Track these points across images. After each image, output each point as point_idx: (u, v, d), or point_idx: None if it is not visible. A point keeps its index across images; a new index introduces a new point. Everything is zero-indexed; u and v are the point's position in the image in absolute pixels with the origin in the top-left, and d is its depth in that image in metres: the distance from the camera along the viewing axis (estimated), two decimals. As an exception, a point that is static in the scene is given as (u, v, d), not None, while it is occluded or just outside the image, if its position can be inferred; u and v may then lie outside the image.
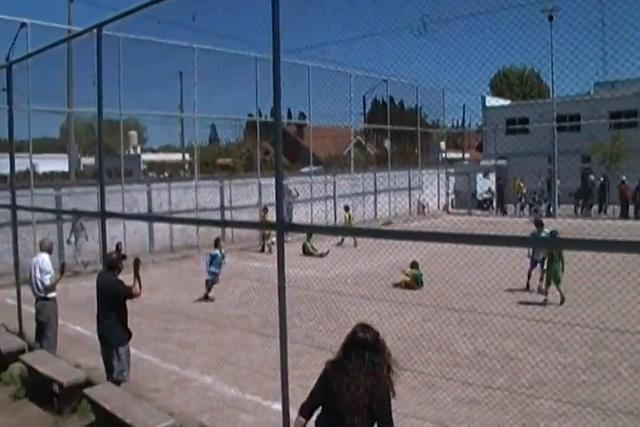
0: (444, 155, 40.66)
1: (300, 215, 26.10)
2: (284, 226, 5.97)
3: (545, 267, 13.57)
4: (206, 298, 14.46)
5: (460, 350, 10.00)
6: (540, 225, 14.35)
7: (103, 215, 8.55)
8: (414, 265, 15.39)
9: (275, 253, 5.75)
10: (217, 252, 14.96)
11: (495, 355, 9.71)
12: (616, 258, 7.96)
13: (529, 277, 14.45)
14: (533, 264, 14.52)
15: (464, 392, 8.22)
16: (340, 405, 4.16)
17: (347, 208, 24.38)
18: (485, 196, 36.91)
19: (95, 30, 7.92)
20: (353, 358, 4.25)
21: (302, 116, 32.78)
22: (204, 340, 10.78)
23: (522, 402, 7.83)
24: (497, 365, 9.27)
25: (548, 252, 13.29)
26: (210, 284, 14.60)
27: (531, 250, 14.40)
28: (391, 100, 36.22)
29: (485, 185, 37.60)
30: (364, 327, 4.38)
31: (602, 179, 32.44)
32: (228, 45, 39.13)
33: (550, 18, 32.55)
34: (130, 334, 7.96)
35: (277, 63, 5.26)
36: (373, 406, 4.14)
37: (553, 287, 13.11)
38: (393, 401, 4.27)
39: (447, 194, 37.08)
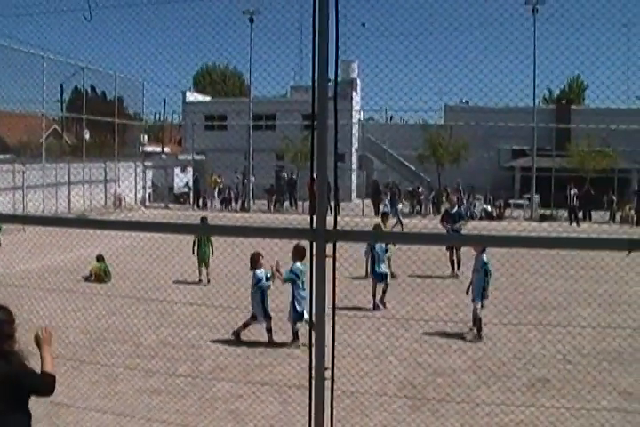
0: (143, 148, 40.16)
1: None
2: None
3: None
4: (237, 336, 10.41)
5: (145, 342, 10.03)
6: None
7: None
8: (100, 258, 15.03)
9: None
10: (262, 273, 10.54)
11: (179, 344, 9.91)
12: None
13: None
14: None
15: (146, 383, 8.27)
16: None
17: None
18: (183, 190, 37.28)
19: None
20: None
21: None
22: None
23: (202, 388, 8.11)
24: (180, 354, 9.46)
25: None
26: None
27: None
28: (93, 89, 34.91)
29: (183, 179, 37.95)
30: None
31: (294, 175, 34.55)
32: None
33: (251, 20, 33.99)
34: None
35: None
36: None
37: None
38: (72, 395, 4.16)
39: (144, 187, 36.69)
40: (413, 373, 8.89)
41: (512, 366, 9.18)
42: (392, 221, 18.03)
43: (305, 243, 9.37)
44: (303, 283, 9.76)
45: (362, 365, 9.01)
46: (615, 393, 8.21)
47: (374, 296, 12.51)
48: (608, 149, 35.09)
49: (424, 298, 11.69)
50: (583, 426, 7.10)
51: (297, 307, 9.98)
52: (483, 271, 10.59)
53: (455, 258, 15.96)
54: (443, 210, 18.56)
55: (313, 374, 4.72)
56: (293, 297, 10.02)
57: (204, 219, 15.55)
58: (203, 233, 5.36)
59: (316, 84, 4.62)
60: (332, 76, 4.69)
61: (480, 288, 10.52)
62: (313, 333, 4.70)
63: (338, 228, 4.69)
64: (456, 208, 17.34)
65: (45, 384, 4.07)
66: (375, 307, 12.37)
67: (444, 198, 30.63)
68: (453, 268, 15.97)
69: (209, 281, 14.82)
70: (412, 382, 8.53)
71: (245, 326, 10.35)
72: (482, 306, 10.63)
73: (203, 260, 14.85)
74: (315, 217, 4.58)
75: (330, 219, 4.57)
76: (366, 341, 10.01)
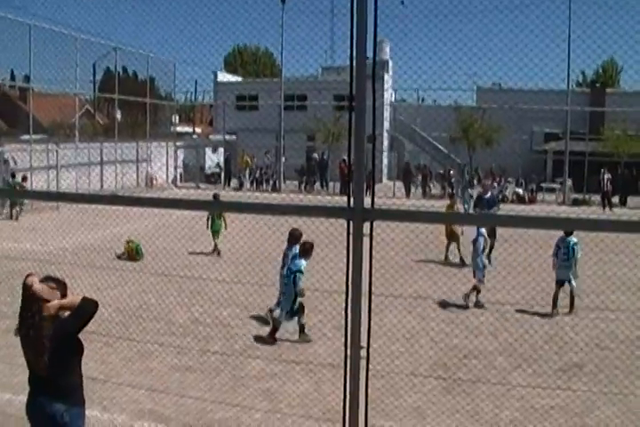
0: (174, 128, 40.30)
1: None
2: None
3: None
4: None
5: (178, 320, 10.12)
6: None
7: None
8: (130, 241, 15.15)
9: (21, 221, 5.22)
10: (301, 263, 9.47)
11: (211, 323, 9.97)
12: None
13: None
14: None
15: (179, 360, 8.34)
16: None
17: None
18: (214, 170, 37.39)
19: None
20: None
21: (27, 79, 30.33)
22: None
23: (235, 366, 8.16)
24: (212, 332, 9.52)
25: None
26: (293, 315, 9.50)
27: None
28: (124, 70, 35.05)
29: (214, 159, 38.05)
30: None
31: (325, 156, 34.32)
32: None
33: (282, 1, 33.82)
34: None
35: None
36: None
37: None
38: (106, 371, 4.22)
39: (176, 167, 36.87)
40: (446, 354, 8.86)
41: (546, 350, 9.09)
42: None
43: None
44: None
45: (394, 346, 9.00)
46: (651, 379, 8.11)
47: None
48: (642, 134, 34.45)
49: (456, 282, 11.63)
50: (617, 412, 7.01)
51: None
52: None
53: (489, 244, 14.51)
54: (475, 195, 17.79)
55: (348, 353, 4.70)
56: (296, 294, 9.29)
57: (216, 196, 16.22)
58: (237, 211, 5.35)
59: (354, 63, 4.55)
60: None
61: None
62: (349, 312, 4.67)
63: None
64: (489, 193, 16.37)
65: (89, 301, 4.37)
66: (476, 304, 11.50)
67: (475, 181, 30.35)
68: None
69: (219, 253, 15.65)
70: (444, 363, 8.51)
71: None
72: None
73: (216, 232, 15.74)
74: (352, 196, 4.53)
75: (367, 199, 4.51)
76: (399, 323, 9.97)
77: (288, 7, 34.03)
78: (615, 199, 31.36)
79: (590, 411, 7.08)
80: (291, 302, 9.28)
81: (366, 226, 4.47)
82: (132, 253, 14.90)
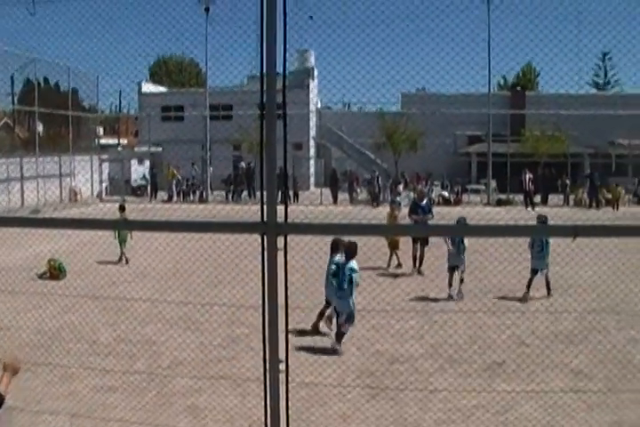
0: (99, 141, 39.50)
1: None
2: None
3: None
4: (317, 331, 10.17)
5: (101, 339, 9.91)
6: None
7: None
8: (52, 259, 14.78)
9: None
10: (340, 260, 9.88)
11: (136, 340, 9.81)
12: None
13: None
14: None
15: (102, 381, 8.16)
16: None
17: None
18: (140, 182, 36.84)
19: None
20: None
21: None
22: None
23: (160, 383, 8.05)
24: (137, 350, 9.37)
25: None
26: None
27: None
28: (46, 81, 34.13)
29: (140, 172, 37.49)
30: None
31: (251, 166, 34.34)
32: None
33: (207, 9, 33.58)
34: None
35: None
36: None
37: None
38: (26, 398, 4.10)
39: (101, 181, 36.14)
40: (372, 360, 8.96)
41: (469, 350, 9.31)
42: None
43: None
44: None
45: (321, 354, 9.06)
46: (568, 373, 8.41)
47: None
48: (560, 134, 35.73)
49: (385, 288, 11.81)
50: (537, 407, 7.24)
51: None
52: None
53: (419, 254, 14.94)
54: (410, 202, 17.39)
55: (267, 367, 4.71)
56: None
57: (122, 207, 16.63)
58: (148, 229, 5.30)
59: (264, 75, 4.59)
60: (289, 67, 4.67)
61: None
62: (266, 326, 4.68)
63: (289, 220, 4.67)
64: (425, 200, 16.04)
65: None
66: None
67: (401, 186, 30.81)
68: (415, 264, 15.05)
69: (127, 261, 15.89)
70: (370, 370, 8.60)
71: (321, 315, 10.16)
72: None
73: (123, 242, 15.83)
74: (265, 209, 4.55)
75: (290, 209, 4.54)
76: (325, 330, 10.05)
77: (212, 16, 33.80)
78: (537, 198, 32.40)
79: (511, 408, 7.29)
80: (350, 305, 9.45)
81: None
82: (55, 272, 14.51)
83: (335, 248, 9.98)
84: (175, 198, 34.62)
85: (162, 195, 35.19)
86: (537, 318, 10.68)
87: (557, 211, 27.31)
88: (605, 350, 9.32)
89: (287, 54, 4.54)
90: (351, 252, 9.70)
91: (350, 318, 9.48)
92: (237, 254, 11.40)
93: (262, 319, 4.52)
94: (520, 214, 23.59)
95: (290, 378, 5.00)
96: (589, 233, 4.50)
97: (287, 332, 4.69)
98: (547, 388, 7.82)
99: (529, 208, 30.00)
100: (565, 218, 19.66)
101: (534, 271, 12.56)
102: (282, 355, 4.58)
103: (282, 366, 4.67)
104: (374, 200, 31.52)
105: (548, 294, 12.64)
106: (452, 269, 12.80)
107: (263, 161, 4.59)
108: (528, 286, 12.44)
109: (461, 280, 12.73)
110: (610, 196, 32.31)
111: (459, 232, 9.76)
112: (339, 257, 9.89)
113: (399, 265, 15.52)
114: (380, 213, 20.50)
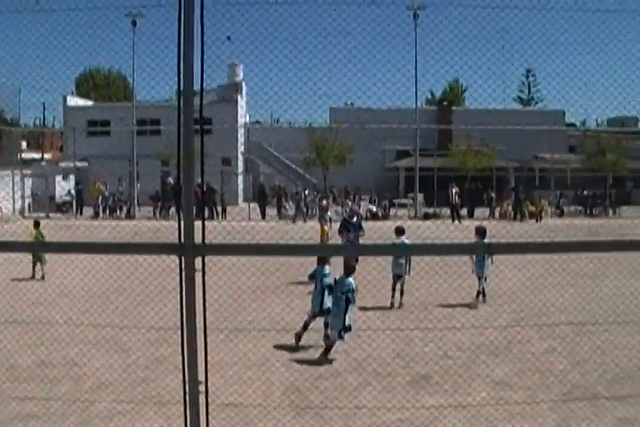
0: (21, 155, 38.41)
1: None
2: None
3: None
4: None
5: (21, 363, 9.59)
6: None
7: None
8: None
9: None
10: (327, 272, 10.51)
11: (59, 363, 9.54)
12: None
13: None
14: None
15: (22, 408, 7.89)
16: None
17: None
18: (65, 198, 35.97)
19: None
20: None
21: None
22: None
23: (82, 408, 7.84)
24: (60, 374, 9.12)
25: None
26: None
27: None
28: (-40, 94, 33.03)
29: (65, 187, 36.62)
30: None
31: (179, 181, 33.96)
32: None
33: (134, 23, 33.15)
34: None
35: None
36: None
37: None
38: None
39: (23, 197, 35.09)
40: (299, 377, 8.96)
41: (395, 364, 9.42)
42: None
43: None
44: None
45: (248, 373, 9.00)
46: (491, 383, 8.61)
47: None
48: (486, 149, 36.73)
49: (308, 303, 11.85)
50: (460, 418, 7.38)
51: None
52: None
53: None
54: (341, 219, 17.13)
55: (186, 389, 4.68)
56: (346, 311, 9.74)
57: (37, 223, 16.13)
58: (63, 251, 5.21)
59: (181, 92, 4.60)
60: (220, 81, 4.69)
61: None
62: (185, 348, 4.65)
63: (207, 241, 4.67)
64: (355, 217, 15.66)
65: None
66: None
67: (330, 201, 31.01)
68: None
69: (43, 277, 15.60)
70: (297, 386, 8.60)
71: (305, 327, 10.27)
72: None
73: (38, 258, 15.47)
74: (182, 231, 4.54)
75: (215, 225, 4.54)
76: (254, 347, 10.02)
77: (144, 30, 33.39)
78: (464, 211, 33.14)
79: (436, 419, 7.40)
80: (342, 321, 9.57)
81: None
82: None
83: (322, 260, 10.30)
84: (101, 215, 33.93)
85: (88, 211, 34.43)
86: (459, 330, 10.88)
87: (484, 224, 27.97)
88: (526, 359, 9.59)
89: (217, 68, 4.58)
90: (350, 270, 9.98)
91: (341, 333, 9.62)
92: (160, 272, 11.24)
93: (181, 342, 4.49)
94: (444, 228, 24.06)
95: (214, 398, 4.97)
96: (502, 251, 4.66)
97: (206, 353, 4.67)
98: (470, 399, 7.98)
99: (455, 221, 30.66)
100: (492, 231, 20.06)
101: (479, 278, 13.31)
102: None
103: (202, 388, 4.64)
104: (296, 216, 31.51)
105: (484, 300, 13.29)
106: (395, 278, 13.13)
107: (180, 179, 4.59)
108: (477, 294, 13.23)
109: (402, 292, 13.06)
110: (533, 208, 33.34)
111: (382, 252, 9.80)
112: (328, 269, 10.32)
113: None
114: (307, 229, 20.53)
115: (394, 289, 13.05)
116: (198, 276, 4.57)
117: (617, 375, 8.87)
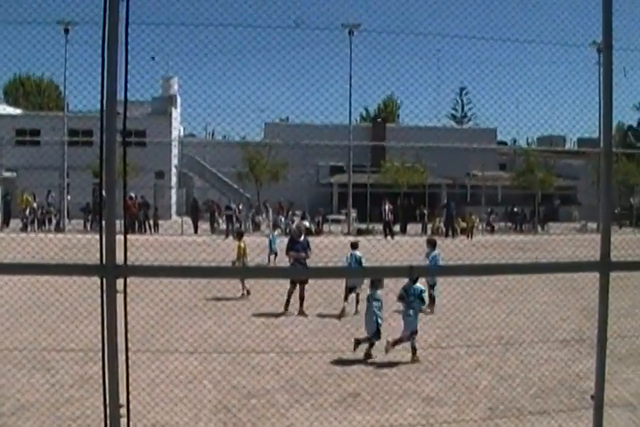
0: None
1: None
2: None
3: None
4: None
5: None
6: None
7: None
8: None
9: None
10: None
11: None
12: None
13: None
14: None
15: None
16: None
17: None
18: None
19: None
20: None
21: None
22: None
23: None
24: (-23, 395, 8.77)
25: None
26: None
27: None
28: None
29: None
30: None
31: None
32: None
33: (66, 30, 32.44)
34: None
35: None
36: None
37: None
38: None
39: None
40: (228, 396, 8.87)
41: (324, 382, 9.42)
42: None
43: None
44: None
45: (176, 391, 8.86)
46: (419, 400, 8.70)
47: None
48: (419, 166, 37.34)
49: (240, 317, 11.77)
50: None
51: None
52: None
53: (299, 294, 13.78)
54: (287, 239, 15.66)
55: (107, 413, 4.58)
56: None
57: None
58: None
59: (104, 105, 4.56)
60: (154, 94, 4.66)
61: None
62: (106, 370, 4.56)
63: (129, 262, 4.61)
64: (302, 236, 14.68)
65: None
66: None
67: (263, 215, 30.97)
68: (287, 304, 13.88)
69: None
70: (226, 405, 8.50)
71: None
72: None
73: None
74: (103, 250, 4.47)
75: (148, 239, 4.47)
76: (180, 365, 9.88)
77: (77, 38, 32.69)
78: (397, 227, 33.56)
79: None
80: (375, 326, 10.89)
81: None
82: None
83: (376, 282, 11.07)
84: (29, 227, 32.99)
85: (15, 223, 33.43)
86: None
87: (417, 239, 28.40)
88: (455, 376, 9.73)
89: (151, 80, 4.56)
90: (377, 281, 10.80)
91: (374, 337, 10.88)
92: (90, 285, 10.98)
93: (102, 366, 4.40)
94: (379, 243, 24.28)
95: (140, 417, 4.85)
96: (423, 273, 4.74)
97: (128, 374, 4.59)
98: (398, 416, 8.05)
99: (388, 237, 31.00)
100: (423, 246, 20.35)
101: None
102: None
103: (123, 411, 4.56)
104: (228, 231, 31.14)
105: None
106: (348, 290, 13.54)
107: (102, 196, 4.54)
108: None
109: (357, 302, 13.51)
110: (465, 225, 34.01)
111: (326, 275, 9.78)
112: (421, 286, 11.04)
113: (247, 293, 15.57)
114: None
115: (346, 299, 13.50)
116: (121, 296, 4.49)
117: (539, 390, 9.10)
